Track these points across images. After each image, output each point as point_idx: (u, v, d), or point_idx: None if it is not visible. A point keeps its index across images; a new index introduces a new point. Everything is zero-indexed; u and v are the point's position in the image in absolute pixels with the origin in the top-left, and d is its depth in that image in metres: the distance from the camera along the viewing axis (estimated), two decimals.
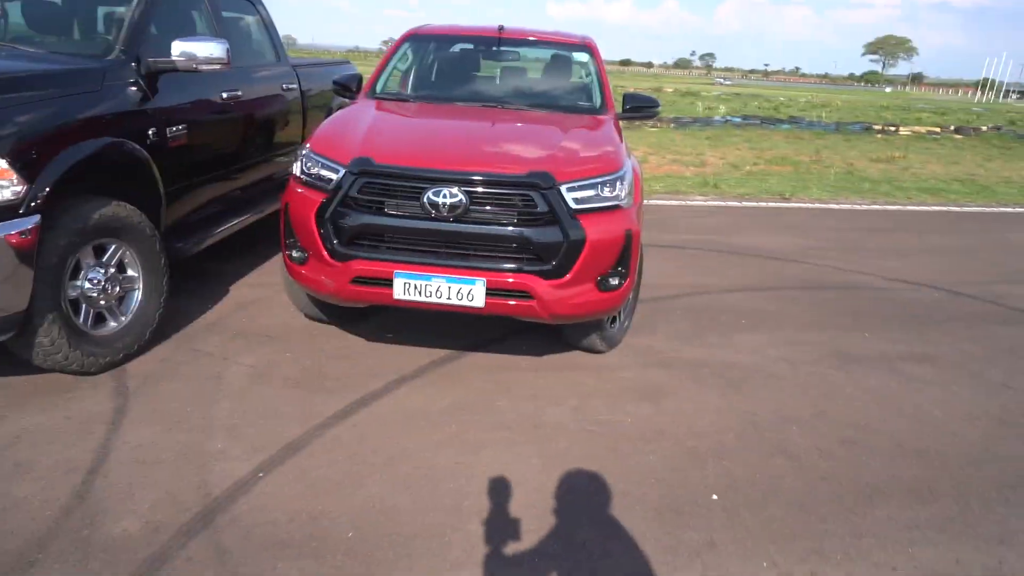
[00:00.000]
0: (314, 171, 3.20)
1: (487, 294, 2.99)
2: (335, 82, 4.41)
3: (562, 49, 4.81)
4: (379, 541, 2.25)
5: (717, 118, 18.49)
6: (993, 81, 73.55)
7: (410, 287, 3.01)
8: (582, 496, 2.55)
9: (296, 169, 3.33)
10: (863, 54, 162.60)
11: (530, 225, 2.99)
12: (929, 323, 4.61)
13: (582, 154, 3.36)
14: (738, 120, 18.39)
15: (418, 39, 4.87)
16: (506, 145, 3.46)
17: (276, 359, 3.46)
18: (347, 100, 4.37)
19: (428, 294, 3.01)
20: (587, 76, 4.68)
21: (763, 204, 8.55)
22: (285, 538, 2.23)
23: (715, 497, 2.58)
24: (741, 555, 2.30)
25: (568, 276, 3.04)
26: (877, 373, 3.78)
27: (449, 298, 3.00)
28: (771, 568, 2.25)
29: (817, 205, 8.70)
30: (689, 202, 8.35)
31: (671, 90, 36.30)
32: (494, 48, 4.68)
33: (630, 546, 2.31)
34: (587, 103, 4.40)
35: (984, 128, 20.57)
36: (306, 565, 2.13)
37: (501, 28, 4.66)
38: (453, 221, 2.98)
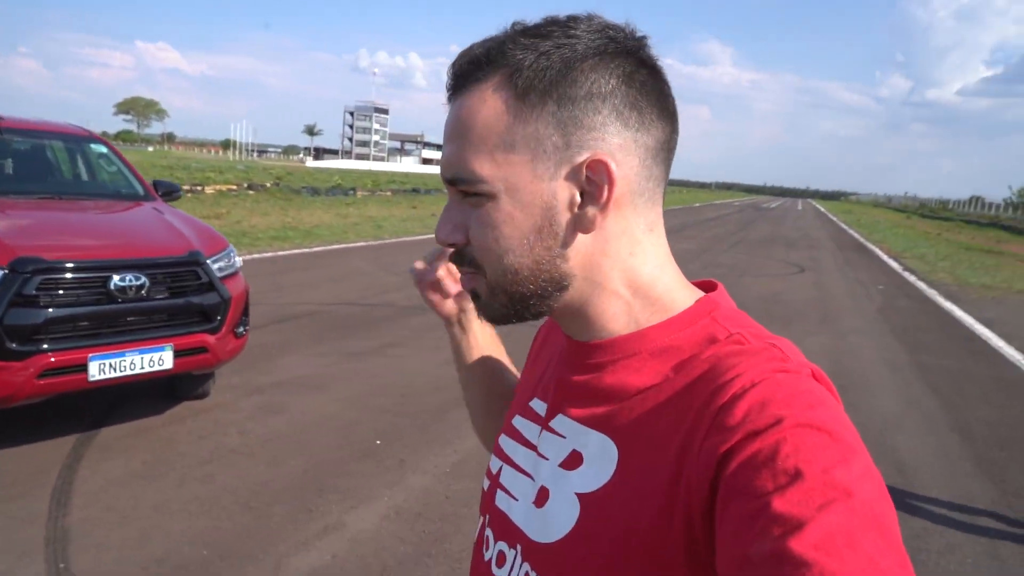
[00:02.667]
0: None
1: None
2: None
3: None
4: None
5: None
6: (236, 141, 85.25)
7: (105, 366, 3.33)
8: None
9: None
10: (115, 113, 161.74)
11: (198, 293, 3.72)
12: (360, 327, 6.82)
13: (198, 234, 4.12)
14: None
15: None
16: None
17: None
18: None
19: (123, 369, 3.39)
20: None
21: None
22: None
23: None
24: None
25: (222, 330, 3.88)
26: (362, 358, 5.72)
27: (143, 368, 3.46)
28: None
29: None
30: None
31: None
32: None
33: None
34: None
35: (267, 184, 25.02)
36: None
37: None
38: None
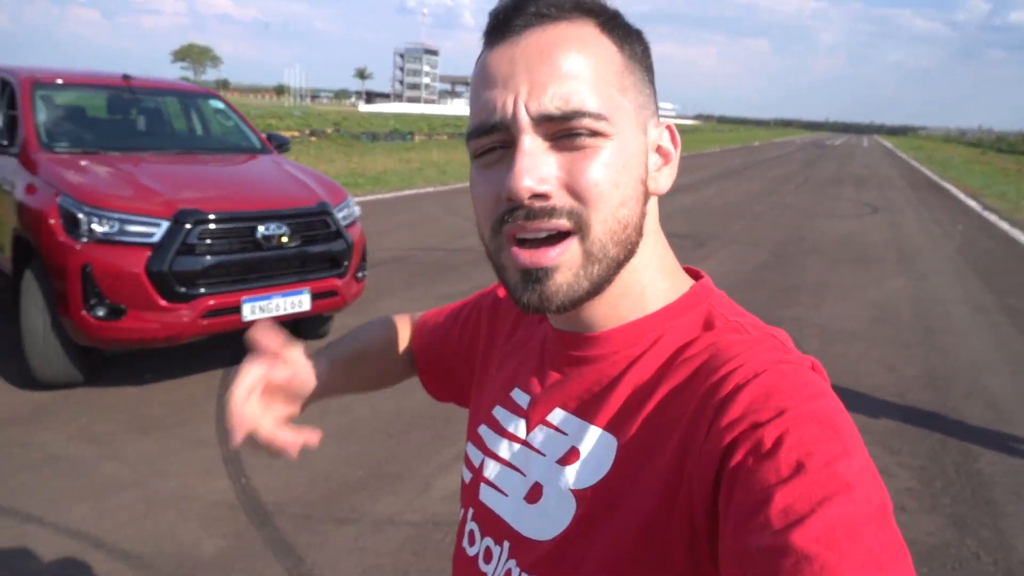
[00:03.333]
0: (125, 228, 3.40)
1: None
2: None
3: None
4: None
5: None
6: (289, 87, 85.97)
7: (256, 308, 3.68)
8: None
9: (82, 229, 3.39)
10: (172, 62, 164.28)
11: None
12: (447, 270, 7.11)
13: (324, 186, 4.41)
14: None
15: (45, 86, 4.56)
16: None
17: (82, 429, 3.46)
18: None
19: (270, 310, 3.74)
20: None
21: None
22: None
23: None
24: None
25: (348, 275, 4.20)
26: None
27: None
28: None
29: None
30: None
31: None
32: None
33: None
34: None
35: (328, 130, 25.38)
36: None
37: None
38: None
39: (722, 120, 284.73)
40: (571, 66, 0.55)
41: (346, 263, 4.12)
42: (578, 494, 0.59)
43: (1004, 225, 12.36)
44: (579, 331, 0.64)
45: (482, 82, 0.59)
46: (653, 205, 0.63)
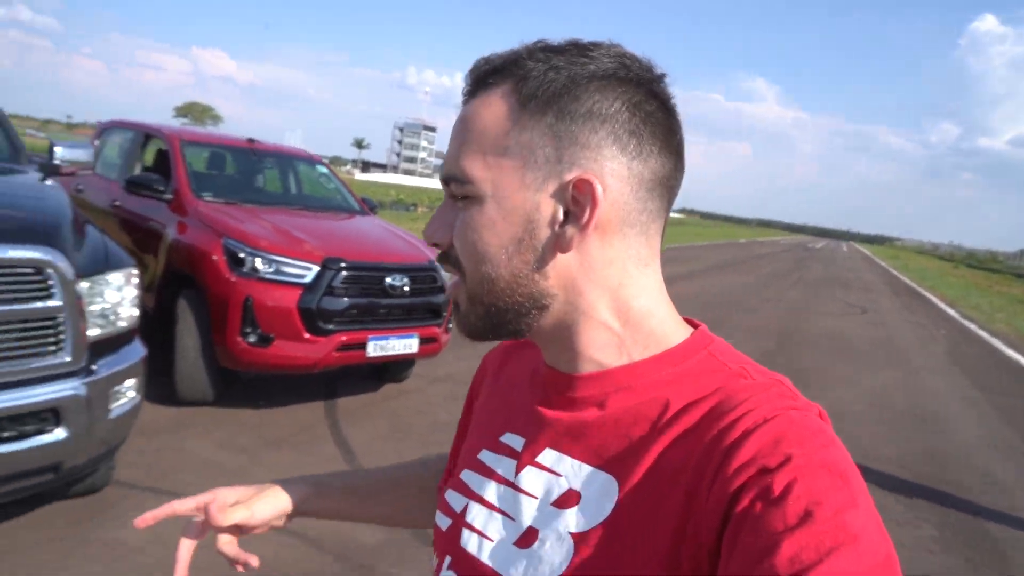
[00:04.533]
0: (281, 269, 4.05)
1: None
2: (131, 181, 4.68)
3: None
4: None
5: None
6: None
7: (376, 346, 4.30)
8: None
9: (245, 267, 4.03)
10: (174, 116, 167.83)
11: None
12: None
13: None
14: None
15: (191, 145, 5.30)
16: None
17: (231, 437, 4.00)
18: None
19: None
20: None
21: None
22: None
23: None
24: None
25: (443, 324, 4.84)
26: None
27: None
28: None
29: None
30: None
31: None
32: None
33: None
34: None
35: None
36: None
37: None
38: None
39: (705, 216, 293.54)
40: (459, 133, 0.63)
41: (444, 314, 4.77)
42: (577, 537, 0.58)
43: (983, 333, 13.31)
44: (568, 371, 0.65)
45: None
46: (601, 256, 0.61)
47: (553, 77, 0.59)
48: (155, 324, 4.48)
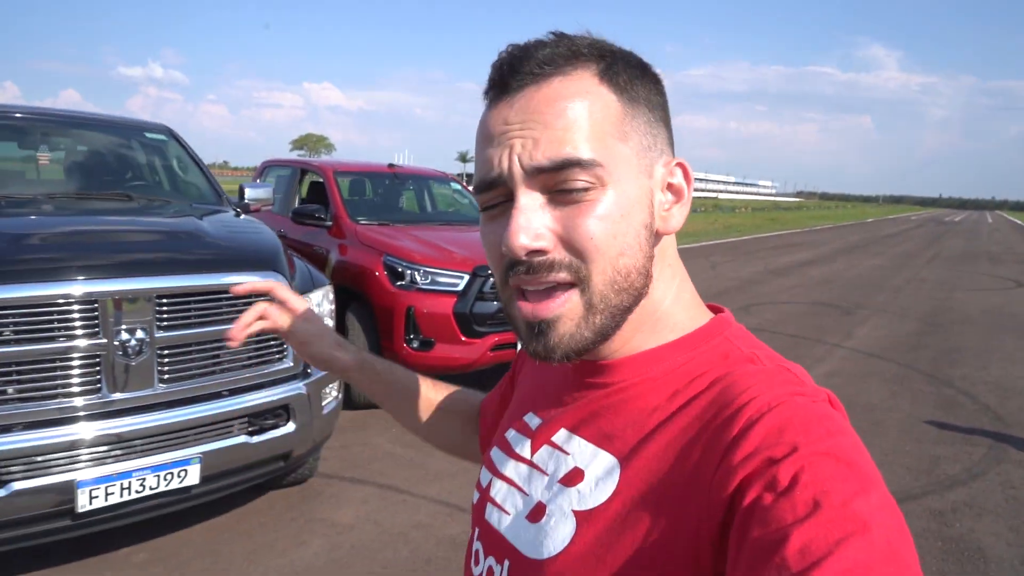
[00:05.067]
0: (436, 279, 4.45)
1: None
2: (296, 212, 5.26)
3: None
4: None
5: None
6: None
7: None
8: None
9: (406, 280, 4.46)
10: (291, 150, 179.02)
11: None
12: None
13: None
14: None
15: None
16: None
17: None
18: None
19: None
20: None
21: None
22: None
23: None
24: None
25: None
26: None
27: None
28: None
29: None
30: None
31: None
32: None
33: None
34: None
35: None
36: None
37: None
38: None
39: (824, 197, 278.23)
40: (564, 119, 0.56)
41: None
42: (579, 515, 0.59)
43: None
44: (594, 359, 0.64)
45: (482, 139, 0.61)
46: (670, 240, 0.64)
47: (632, 63, 0.61)
48: None
